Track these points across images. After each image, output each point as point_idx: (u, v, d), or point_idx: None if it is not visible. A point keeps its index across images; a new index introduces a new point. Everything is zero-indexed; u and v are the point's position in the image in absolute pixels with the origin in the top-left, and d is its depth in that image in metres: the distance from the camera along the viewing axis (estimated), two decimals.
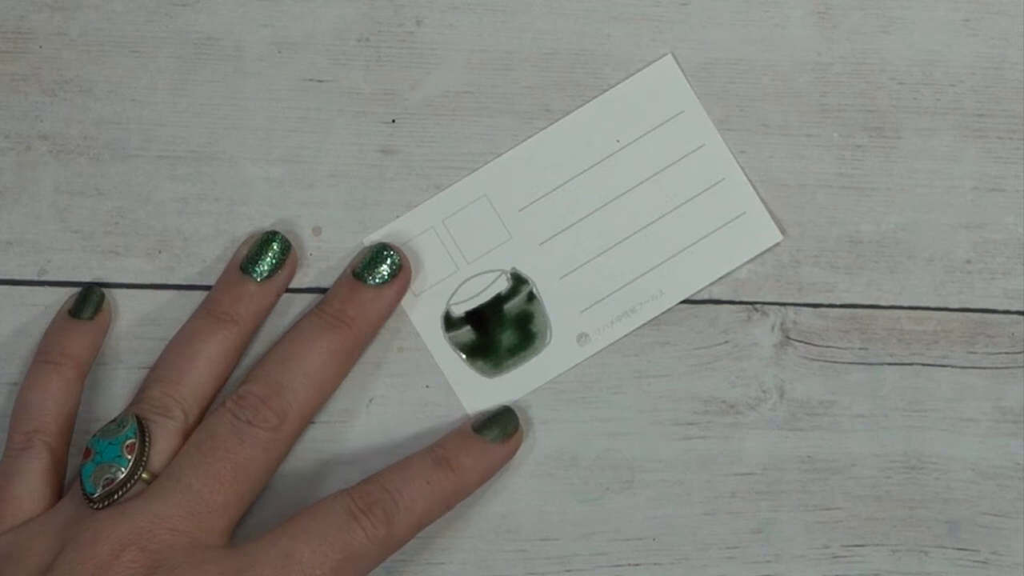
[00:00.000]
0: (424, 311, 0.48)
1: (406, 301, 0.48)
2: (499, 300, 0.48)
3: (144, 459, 0.44)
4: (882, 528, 0.48)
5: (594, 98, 0.48)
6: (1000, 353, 0.48)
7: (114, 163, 0.48)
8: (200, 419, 0.45)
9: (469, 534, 0.48)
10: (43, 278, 0.48)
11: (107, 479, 0.43)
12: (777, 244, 0.48)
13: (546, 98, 0.48)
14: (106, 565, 0.41)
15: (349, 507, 0.43)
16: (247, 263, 0.47)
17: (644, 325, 0.48)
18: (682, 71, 0.48)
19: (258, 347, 0.48)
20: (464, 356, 0.48)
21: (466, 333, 0.48)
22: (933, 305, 0.48)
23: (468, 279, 0.48)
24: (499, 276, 0.48)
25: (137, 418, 0.44)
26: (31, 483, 0.45)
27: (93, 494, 0.43)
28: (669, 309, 0.48)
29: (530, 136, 0.48)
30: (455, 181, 0.48)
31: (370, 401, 0.48)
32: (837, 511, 0.48)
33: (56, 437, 0.45)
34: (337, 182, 0.48)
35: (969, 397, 0.48)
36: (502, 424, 0.47)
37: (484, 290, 0.48)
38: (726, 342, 0.48)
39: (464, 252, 0.48)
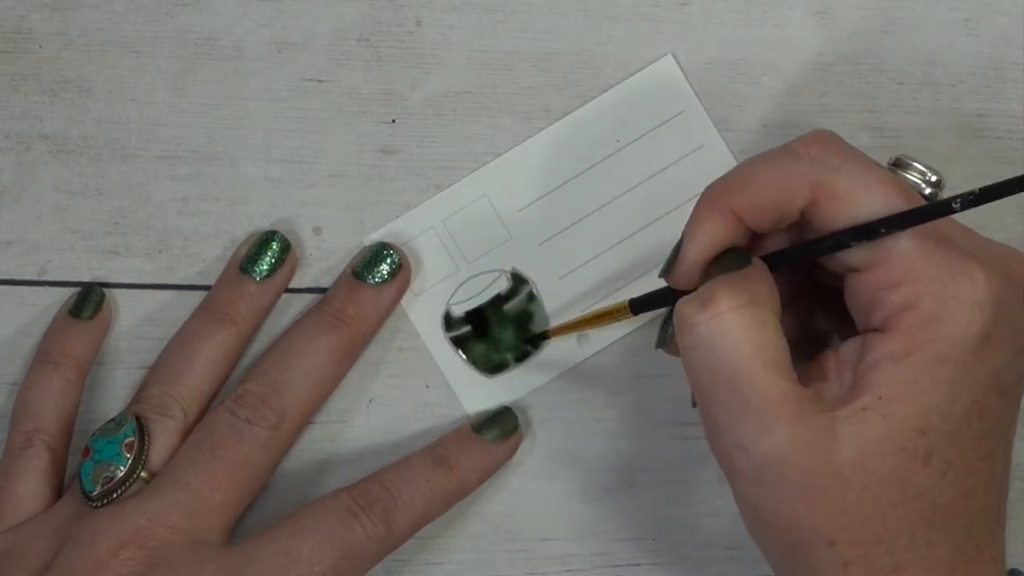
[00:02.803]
0: (424, 311, 0.48)
1: (406, 301, 0.48)
2: (499, 300, 0.48)
3: (143, 458, 0.44)
4: None
5: (594, 98, 0.48)
6: None
7: (114, 163, 0.48)
8: (199, 418, 0.45)
9: (469, 534, 0.48)
10: (43, 278, 0.48)
11: (106, 478, 0.43)
12: None
13: (546, 98, 0.48)
14: (104, 563, 0.41)
15: (348, 505, 0.43)
16: (247, 263, 0.47)
17: (644, 325, 0.48)
18: (682, 71, 0.48)
19: (258, 346, 0.48)
20: (464, 356, 0.48)
21: (466, 333, 0.48)
22: None
23: (468, 279, 0.48)
24: (499, 276, 0.48)
25: (136, 417, 0.44)
26: (31, 482, 0.45)
27: (92, 492, 0.43)
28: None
29: (530, 136, 0.48)
30: (455, 181, 0.48)
31: (370, 401, 0.48)
32: None
33: (56, 437, 0.45)
34: (337, 182, 0.48)
35: None
36: (501, 424, 0.46)
37: (484, 290, 0.48)
38: None
39: (464, 252, 0.48)
